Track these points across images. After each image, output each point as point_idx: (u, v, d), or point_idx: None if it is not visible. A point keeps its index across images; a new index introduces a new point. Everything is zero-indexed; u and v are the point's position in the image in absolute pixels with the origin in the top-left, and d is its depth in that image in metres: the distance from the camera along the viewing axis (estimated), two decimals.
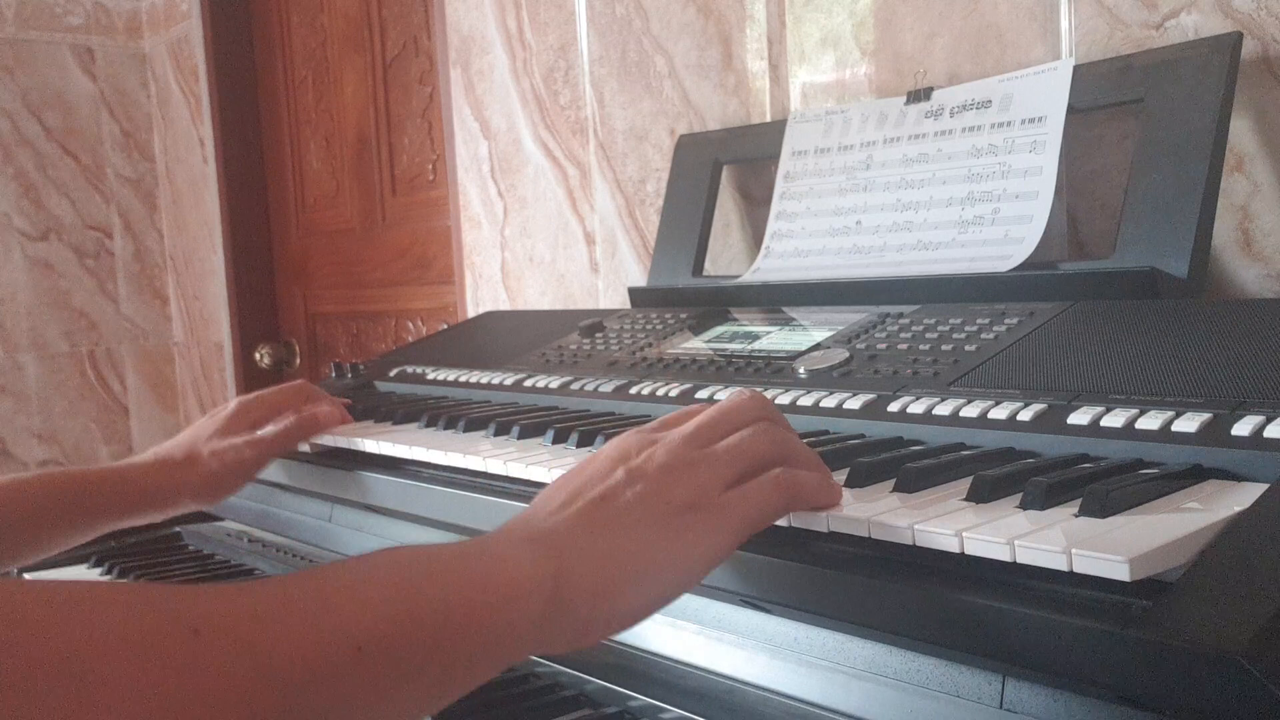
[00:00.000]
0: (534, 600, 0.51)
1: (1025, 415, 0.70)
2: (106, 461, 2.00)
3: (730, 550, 0.58)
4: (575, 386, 1.04)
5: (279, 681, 0.42)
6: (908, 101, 1.11)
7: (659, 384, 0.97)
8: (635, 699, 0.73)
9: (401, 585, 0.49)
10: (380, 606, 0.47)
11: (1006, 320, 0.87)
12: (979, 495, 0.59)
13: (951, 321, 0.90)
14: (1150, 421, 0.64)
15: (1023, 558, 0.51)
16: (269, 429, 1.03)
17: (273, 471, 1.08)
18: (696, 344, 1.07)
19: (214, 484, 1.00)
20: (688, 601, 0.70)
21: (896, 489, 0.63)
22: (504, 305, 1.85)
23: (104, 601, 0.41)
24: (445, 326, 1.94)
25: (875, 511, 0.59)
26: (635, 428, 0.62)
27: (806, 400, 0.84)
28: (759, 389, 0.88)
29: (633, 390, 0.98)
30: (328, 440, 1.06)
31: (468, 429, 0.97)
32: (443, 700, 0.50)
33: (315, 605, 0.46)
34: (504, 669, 0.52)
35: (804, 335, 1.00)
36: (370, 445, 0.99)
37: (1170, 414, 0.64)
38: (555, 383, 1.07)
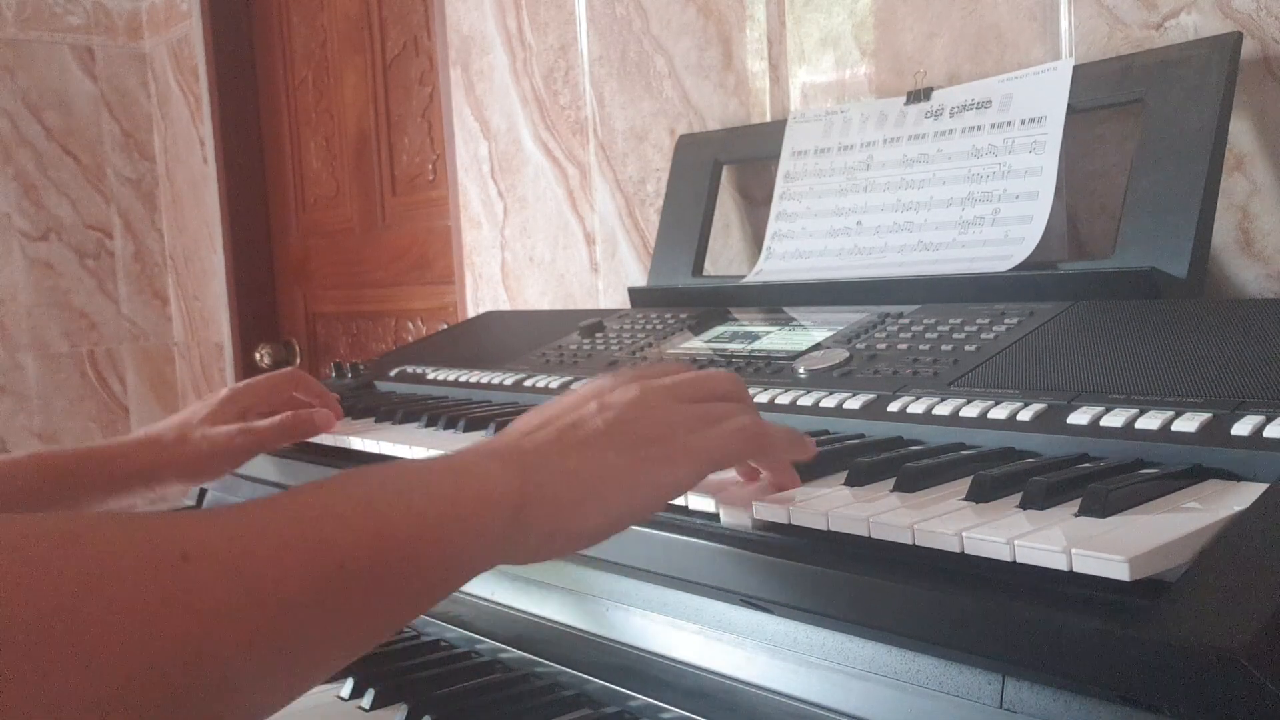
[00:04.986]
0: (499, 513, 0.53)
1: (1025, 415, 0.70)
2: None
3: (689, 484, 0.60)
4: (575, 386, 1.04)
5: (266, 601, 0.44)
6: (908, 101, 1.11)
7: None
8: (635, 699, 0.73)
9: (377, 502, 0.50)
10: (359, 524, 0.48)
11: (1006, 320, 0.87)
12: (979, 495, 0.59)
13: (951, 321, 0.90)
14: (1150, 421, 0.64)
15: (1023, 557, 0.51)
16: (266, 421, 1.04)
17: (273, 471, 1.08)
18: (696, 344, 1.07)
19: (202, 466, 1.02)
20: (688, 601, 0.70)
21: (896, 489, 0.63)
22: (504, 305, 1.85)
23: (97, 533, 0.42)
24: (445, 326, 1.94)
25: (875, 511, 0.59)
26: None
27: (806, 400, 0.84)
28: (759, 389, 0.88)
29: None
30: (328, 440, 1.06)
31: (468, 429, 0.98)
32: (418, 610, 0.52)
33: (298, 526, 0.47)
34: (472, 579, 0.54)
35: (804, 335, 1.00)
36: (371, 445, 0.99)
37: (1170, 414, 0.64)
38: (555, 383, 1.07)
